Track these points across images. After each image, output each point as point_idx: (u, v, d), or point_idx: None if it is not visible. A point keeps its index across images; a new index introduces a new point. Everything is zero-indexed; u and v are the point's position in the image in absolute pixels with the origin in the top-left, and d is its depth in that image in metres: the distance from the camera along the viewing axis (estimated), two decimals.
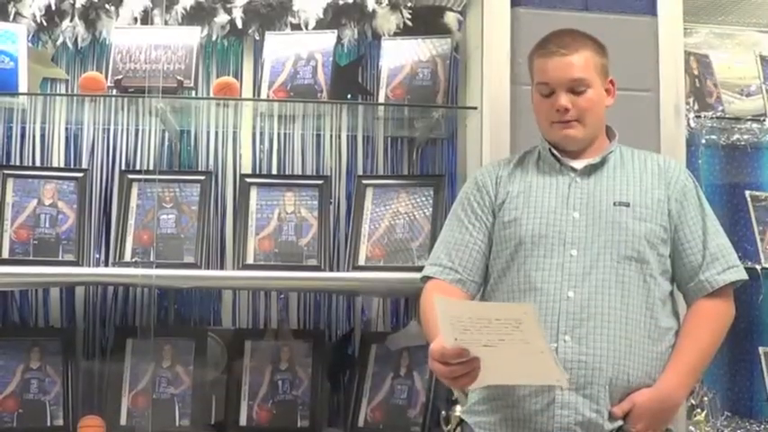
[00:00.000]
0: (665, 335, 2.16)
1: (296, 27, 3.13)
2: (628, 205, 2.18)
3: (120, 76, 2.94)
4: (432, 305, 2.13)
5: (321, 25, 3.12)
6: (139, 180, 3.00)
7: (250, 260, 2.95)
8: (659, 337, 2.15)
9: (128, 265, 2.88)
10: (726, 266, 2.21)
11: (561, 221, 2.19)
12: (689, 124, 3.03)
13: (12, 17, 3.00)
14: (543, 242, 2.17)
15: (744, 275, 2.24)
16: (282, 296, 3.15)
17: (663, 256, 2.20)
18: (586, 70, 2.22)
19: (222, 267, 3.10)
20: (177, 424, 2.83)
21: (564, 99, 2.20)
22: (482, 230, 2.27)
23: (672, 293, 2.24)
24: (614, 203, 2.19)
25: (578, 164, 2.26)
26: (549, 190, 2.24)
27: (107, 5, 3.04)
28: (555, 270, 2.14)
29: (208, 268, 2.98)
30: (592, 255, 2.14)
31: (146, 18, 3.06)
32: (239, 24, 3.10)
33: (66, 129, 3.13)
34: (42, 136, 3.12)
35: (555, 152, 2.27)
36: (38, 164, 3.09)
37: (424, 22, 3.17)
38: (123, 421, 2.83)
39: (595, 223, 2.17)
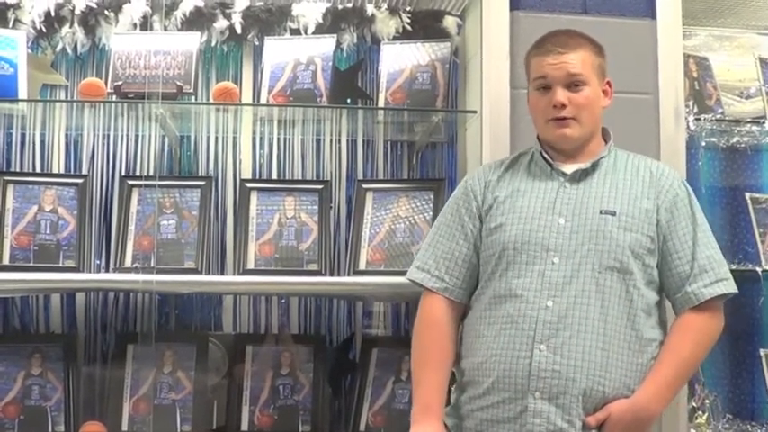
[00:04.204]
0: (647, 346, 2.15)
1: (295, 32, 3.14)
2: (614, 214, 2.17)
3: (119, 82, 2.95)
4: (429, 337, 2.25)
5: (320, 30, 3.13)
6: (140, 186, 3.01)
7: (251, 265, 2.95)
8: (640, 348, 2.13)
9: (128, 270, 2.89)
10: (714, 279, 2.18)
11: (545, 227, 2.18)
12: (688, 127, 3.02)
13: (11, 24, 3.01)
14: (526, 248, 2.17)
15: (733, 289, 2.21)
16: (283, 301, 3.15)
17: (649, 266, 2.18)
18: (584, 68, 2.22)
19: (223, 272, 3.10)
20: (179, 430, 2.83)
21: (561, 94, 2.20)
22: (468, 239, 2.28)
23: (659, 304, 2.22)
24: (600, 212, 2.17)
25: (569, 168, 2.25)
26: (537, 195, 2.23)
27: (106, 12, 3.05)
28: (536, 277, 2.14)
29: (208, 273, 2.97)
30: (573, 263, 2.13)
31: (145, 24, 3.07)
32: (238, 30, 3.11)
33: (66, 135, 3.13)
34: (42, 142, 3.12)
35: (546, 156, 2.27)
36: (38, 170, 3.09)
37: (424, 27, 3.18)
38: (125, 427, 2.83)
39: (580, 231, 2.16)
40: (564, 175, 2.24)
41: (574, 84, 2.21)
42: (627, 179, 2.24)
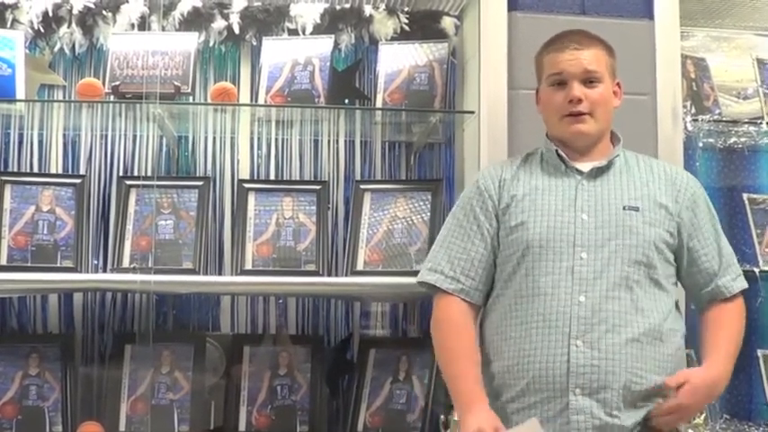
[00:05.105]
0: (673, 337, 2.16)
1: (293, 32, 3.14)
2: (637, 210, 2.18)
3: (117, 83, 2.95)
4: (454, 334, 2.20)
5: (318, 30, 3.13)
6: (137, 186, 3.01)
7: (248, 265, 2.95)
8: (669, 339, 2.15)
9: (126, 271, 2.89)
10: (738, 273, 2.27)
11: (570, 224, 2.17)
12: (686, 128, 3.02)
13: (9, 24, 3.02)
14: (552, 245, 2.16)
15: (746, 284, 2.30)
16: (281, 301, 3.15)
17: (668, 261, 2.20)
18: (599, 65, 2.23)
19: (220, 273, 3.10)
20: (176, 430, 2.83)
21: (577, 89, 2.20)
22: (485, 238, 2.25)
23: (676, 298, 2.24)
24: (624, 207, 2.18)
25: (584, 166, 2.24)
26: (556, 192, 2.22)
27: (104, 12, 3.05)
28: (565, 273, 2.13)
29: (206, 274, 2.98)
30: (602, 258, 2.13)
31: (143, 24, 3.07)
32: (236, 30, 3.11)
33: (64, 135, 3.13)
34: (40, 142, 3.12)
35: (561, 153, 2.26)
36: (36, 170, 3.09)
37: (421, 27, 3.18)
38: (122, 427, 2.83)
39: (605, 226, 2.16)
40: (579, 172, 2.24)
41: (589, 80, 2.22)
42: (642, 177, 2.25)
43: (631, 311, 2.11)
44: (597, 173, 2.24)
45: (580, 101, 2.20)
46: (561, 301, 2.12)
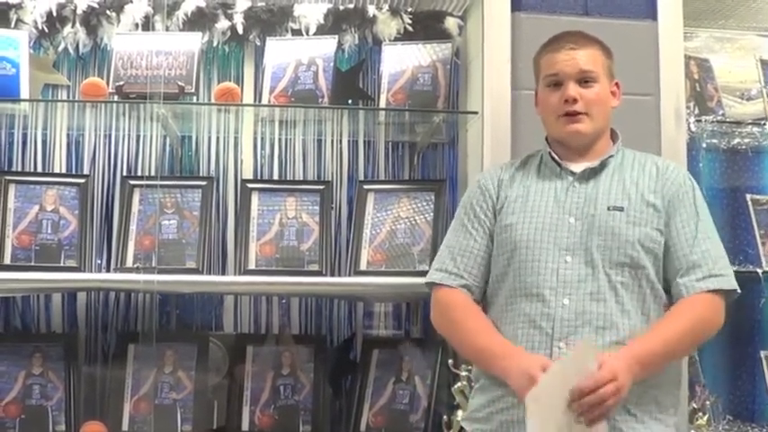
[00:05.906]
0: None
1: (297, 32, 3.14)
2: (622, 210, 2.17)
3: (121, 82, 2.95)
4: (469, 313, 2.19)
5: (322, 31, 3.13)
6: (141, 186, 3.01)
7: (251, 265, 2.95)
8: None
9: (129, 270, 2.89)
10: (707, 274, 2.13)
11: (557, 227, 2.18)
12: (689, 128, 3.02)
13: (13, 24, 3.02)
14: (538, 247, 2.17)
15: (728, 285, 2.15)
16: (284, 301, 3.16)
17: (661, 260, 2.18)
18: (595, 65, 2.23)
19: (224, 273, 3.10)
20: (179, 430, 2.83)
21: (573, 89, 2.21)
22: (486, 234, 2.27)
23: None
24: (608, 208, 2.17)
25: (578, 167, 2.25)
26: (547, 194, 2.23)
27: (108, 12, 3.06)
28: (550, 276, 2.14)
29: (209, 273, 2.98)
30: (586, 261, 2.13)
31: (147, 24, 3.07)
32: (240, 30, 3.11)
33: (68, 135, 3.13)
34: (44, 142, 3.12)
35: (554, 156, 2.27)
36: (39, 170, 3.09)
37: (425, 28, 3.18)
38: (125, 427, 2.83)
39: (590, 229, 2.16)
40: (572, 173, 2.24)
41: (584, 80, 2.22)
42: (633, 175, 2.24)
43: (616, 314, 2.10)
44: (590, 174, 2.24)
45: (575, 101, 2.20)
46: (546, 303, 2.12)
